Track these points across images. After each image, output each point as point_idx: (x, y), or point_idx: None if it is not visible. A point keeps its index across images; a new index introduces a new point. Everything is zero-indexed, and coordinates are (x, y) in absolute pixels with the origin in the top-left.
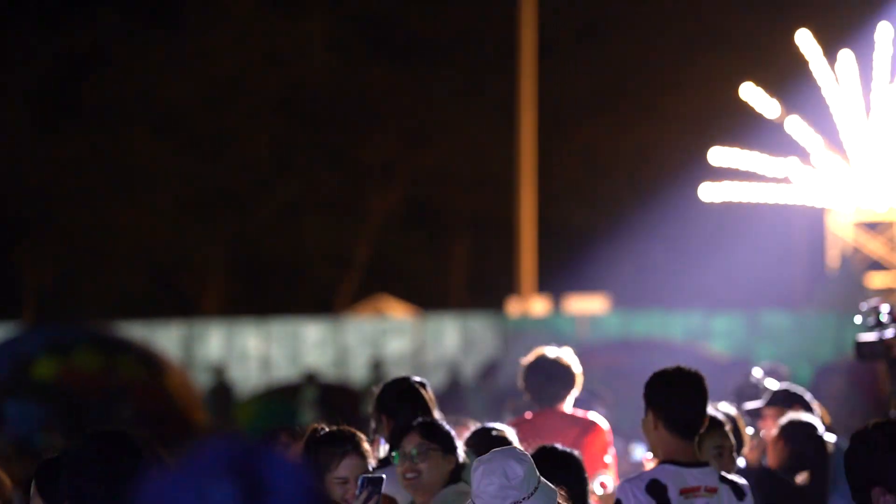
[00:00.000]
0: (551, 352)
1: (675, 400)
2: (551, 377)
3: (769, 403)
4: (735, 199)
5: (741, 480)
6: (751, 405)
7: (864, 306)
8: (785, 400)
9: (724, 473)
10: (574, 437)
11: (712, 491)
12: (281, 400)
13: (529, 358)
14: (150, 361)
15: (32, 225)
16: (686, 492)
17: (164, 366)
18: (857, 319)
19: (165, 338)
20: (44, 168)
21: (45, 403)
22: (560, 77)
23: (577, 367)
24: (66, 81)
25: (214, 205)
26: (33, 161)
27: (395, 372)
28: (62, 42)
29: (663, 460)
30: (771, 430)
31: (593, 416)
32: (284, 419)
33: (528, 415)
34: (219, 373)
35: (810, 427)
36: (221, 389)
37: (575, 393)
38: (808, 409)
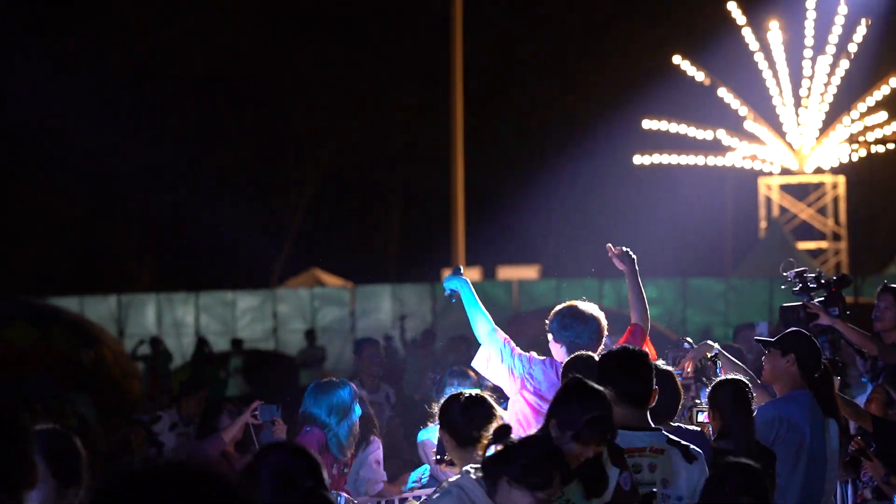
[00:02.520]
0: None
1: (624, 377)
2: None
3: None
4: (665, 164)
5: (692, 446)
6: None
7: (791, 273)
8: None
9: (673, 437)
10: None
11: (658, 451)
12: (211, 368)
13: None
14: (84, 333)
15: None
16: (631, 451)
17: (99, 337)
18: (783, 286)
19: (99, 311)
20: None
21: None
22: (489, 47)
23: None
24: None
25: (146, 178)
26: None
27: (329, 341)
28: None
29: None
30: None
31: None
32: (214, 386)
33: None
34: (156, 343)
35: None
36: (158, 359)
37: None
38: None
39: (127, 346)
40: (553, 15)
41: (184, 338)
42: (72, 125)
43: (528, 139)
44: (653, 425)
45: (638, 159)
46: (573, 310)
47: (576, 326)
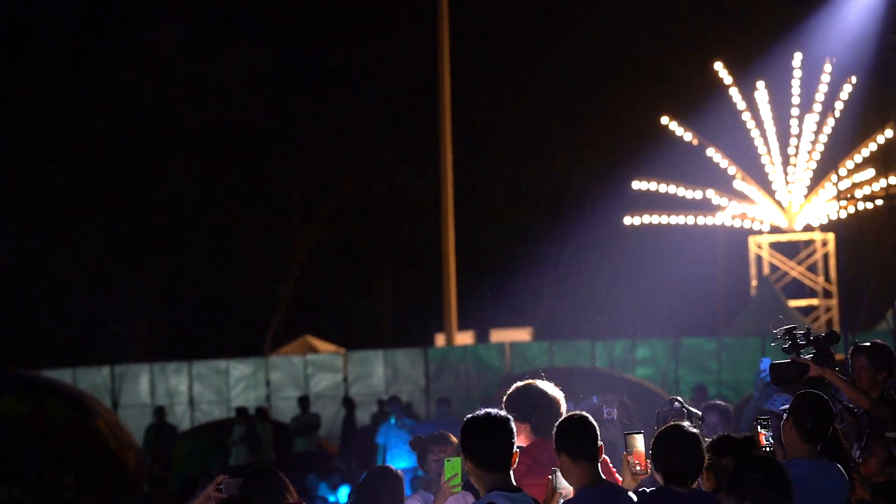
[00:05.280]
0: (541, 383)
1: (481, 441)
2: (550, 405)
3: None
4: (655, 224)
5: None
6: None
7: (780, 330)
8: None
9: None
10: None
11: None
12: (212, 437)
13: (521, 388)
14: (78, 404)
15: None
16: None
17: (94, 408)
18: (773, 343)
19: (93, 382)
20: None
21: None
22: (479, 110)
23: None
24: None
25: (137, 245)
26: None
27: (323, 407)
28: None
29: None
30: None
31: None
32: (216, 456)
33: (524, 442)
34: (160, 413)
35: None
36: (161, 428)
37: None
38: None
39: (121, 416)
40: (542, 76)
41: (178, 406)
42: (60, 185)
43: (519, 201)
44: None
45: (628, 220)
46: (535, 388)
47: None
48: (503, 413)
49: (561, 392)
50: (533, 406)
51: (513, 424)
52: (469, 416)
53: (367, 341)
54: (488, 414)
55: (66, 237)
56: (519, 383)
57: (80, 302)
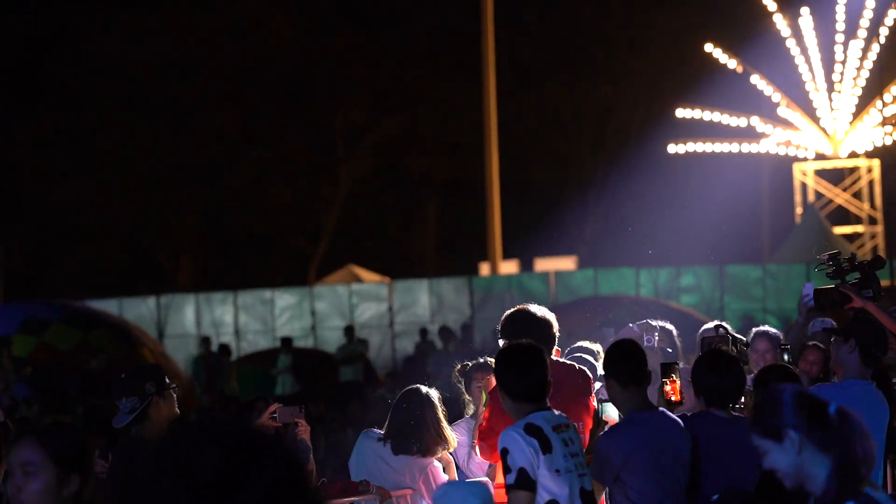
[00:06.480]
0: (534, 307)
1: (513, 374)
2: (539, 327)
3: None
4: (700, 152)
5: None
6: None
7: (824, 255)
8: None
9: None
10: (580, 382)
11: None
12: (258, 367)
13: (511, 313)
14: (125, 335)
15: (2, 204)
16: (557, 427)
17: (139, 339)
18: (817, 269)
19: (139, 312)
20: (11, 147)
21: (24, 380)
22: (522, 40)
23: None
24: (31, 59)
25: (183, 178)
26: (0, 140)
27: (368, 336)
28: (25, 20)
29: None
30: None
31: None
32: (262, 385)
33: None
34: (206, 343)
35: None
36: (210, 358)
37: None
38: None
39: (167, 346)
40: (585, 5)
41: (223, 337)
42: (106, 121)
43: (562, 130)
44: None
45: (672, 148)
46: (525, 312)
47: (529, 329)
48: (535, 343)
49: (552, 314)
50: (524, 330)
51: (545, 355)
52: (501, 348)
53: (411, 271)
54: (520, 345)
55: (113, 171)
56: (510, 310)
57: (127, 234)
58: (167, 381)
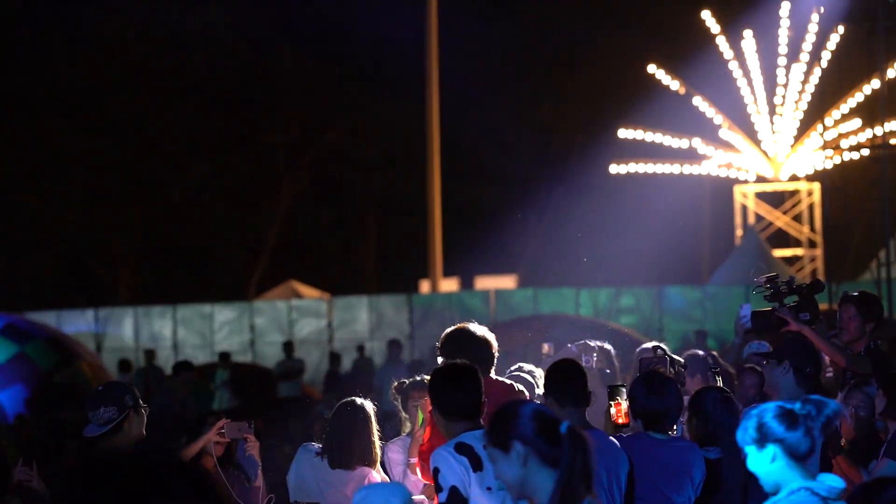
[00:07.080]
0: (474, 326)
1: (447, 392)
2: (480, 347)
3: None
4: (641, 172)
5: None
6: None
7: (762, 278)
8: None
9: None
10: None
11: None
12: (196, 381)
13: (451, 332)
14: (62, 348)
15: None
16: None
17: (77, 352)
18: (755, 291)
19: (77, 325)
20: None
21: None
22: (465, 58)
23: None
24: None
25: (123, 191)
26: None
27: (307, 353)
28: None
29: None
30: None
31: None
32: (200, 400)
33: None
34: (148, 356)
35: None
36: (151, 372)
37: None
38: None
39: (104, 360)
40: (528, 25)
41: (161, 351)
42: (46, 131)
43: (505, 149)
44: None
45: (614, 168)
46: (465, 331)
47: (469, 348)
48: (469, 363)
49: (492, 333)
50: (464, 349)
51: (480, 374)
52: (436, 367)
53: (351, 287)
54: (454, 364)
55: (52, 182)
56: (450, 328)
57: (66, 246)
58: (140, 400)
